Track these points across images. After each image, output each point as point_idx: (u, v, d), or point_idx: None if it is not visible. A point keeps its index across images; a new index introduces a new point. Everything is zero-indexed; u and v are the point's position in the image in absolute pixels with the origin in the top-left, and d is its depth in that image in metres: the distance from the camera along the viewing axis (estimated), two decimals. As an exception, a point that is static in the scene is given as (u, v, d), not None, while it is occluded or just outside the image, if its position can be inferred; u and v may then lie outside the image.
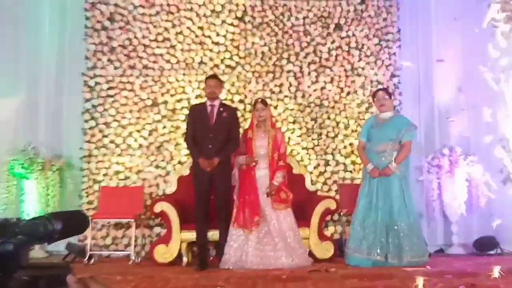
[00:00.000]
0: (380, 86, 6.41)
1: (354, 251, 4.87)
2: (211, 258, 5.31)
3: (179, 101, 6.42)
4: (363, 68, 6.55)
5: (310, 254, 5.20)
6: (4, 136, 6.30)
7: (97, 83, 6.37)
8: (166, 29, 6.52)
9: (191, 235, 5.15)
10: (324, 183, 6.32)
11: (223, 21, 6.55)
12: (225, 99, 6.11)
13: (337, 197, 5.89)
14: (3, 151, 6.19)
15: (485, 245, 5.91)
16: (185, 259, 5.26)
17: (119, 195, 6.03)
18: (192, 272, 4.76)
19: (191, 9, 6.56)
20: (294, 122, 6.45)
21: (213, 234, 5.10)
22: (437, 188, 6.14)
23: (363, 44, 6.59)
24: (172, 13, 6.55)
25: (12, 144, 6.23)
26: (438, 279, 4.00)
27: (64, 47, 6.54)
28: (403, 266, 4.66)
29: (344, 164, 6.30)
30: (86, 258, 5.53)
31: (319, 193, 6.03)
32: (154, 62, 6.46)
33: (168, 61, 6.48)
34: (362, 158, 5.22)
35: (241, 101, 6.39)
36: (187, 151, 5.74)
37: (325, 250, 5.29)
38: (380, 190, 4.93)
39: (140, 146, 6.32)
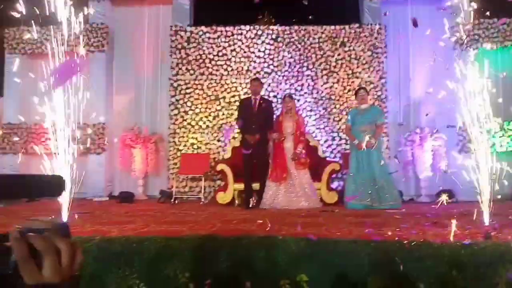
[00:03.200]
0: (372, 86, 6.27)
1: (350, 199, 4.85)
2: (254, 201, 5.40)
3: (233, 96, 6.45)
4: (360, 73, 6.39)
5: (321, 200, 5.21)
6: (120, 119, 6.58)
7: (179, 85, 6.48)
8: (224, 47, 6.54)
9: (241, 186, 5.23)
10: (331, 152, 6.28)
11: (263, 42, 6.50)
12: (264, 95, 6.11)
13: (341, 162, 5.85)
14: (120, 129, 6.48)
15: (444, 195, 5.74)
16: (237, 202, 5.36)
17: (193, 159, 6.18)
18: (241, 210, 4.84)
19: (241, 33, 6.54)
20: (311, 110, 6.39)
21: (255, 186, 5.17)
22: (411, 156, 6.00)
23: (360, 56, 6.41)
24: (228, 36, 6.55)
25: (125, 124, 6.50)
26: (410, 217, 3.95)
27: (158, 60, 6.71)
28: (384, 209, 4.62)
29: (345, 139, 6.22)
30: (172, 200, 5.73)
31: (328, 159, 6.00)
32: (216, 70, 6.50)
33: (225, 69, 6.50)
34: (349, 136, 5.12)
35: (275, 96, 6.38)
36: (238, 130, 5.79)
37: (332, 198, 5.27)
38: (365, 157, 4.85)
39: (207, 126, 6.42)
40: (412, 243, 2.70)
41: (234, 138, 6.20)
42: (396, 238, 2.83)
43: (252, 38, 6.51)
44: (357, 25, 6.43)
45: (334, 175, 5.65)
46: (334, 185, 5.90)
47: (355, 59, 6.40)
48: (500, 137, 5.95)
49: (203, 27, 6.54)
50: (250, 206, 4.97)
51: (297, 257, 2.71)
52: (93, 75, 6.27)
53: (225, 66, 6.48)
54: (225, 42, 6.52)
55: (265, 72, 6.45)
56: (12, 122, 6.44)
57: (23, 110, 6.16)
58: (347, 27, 6.44)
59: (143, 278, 2.58)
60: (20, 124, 6.34)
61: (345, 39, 6.42)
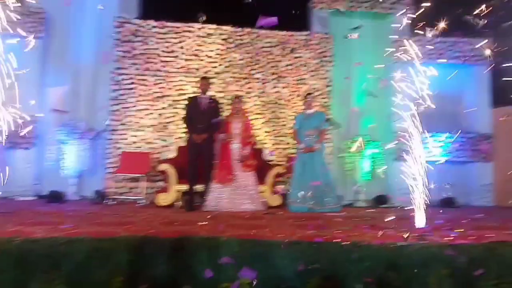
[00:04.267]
0: (318, 93, 6.46)
1: (293, 202, 4.91)
2: (197, 204, 5.26)
3: (179, 95, 6.27)
4: (307, 79, 6.54)
5: (266, 203, 5.24)
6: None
7: (122, 79, 6.16)
8: (173, 44, 6.34)
9: (184, 187, 5.07)
10: (278, 155, 6.34)
11: (213, 41, 6.42)
12: (212, 95, 6.01)
13: (286, 165, 5.92)
14: (53, 122, 5.97)
15: (381, 200, 6.07)
16: (179, 203, 5.20)
17: (133, 158, 5.87)
18: (183, 212, 4.68)
19: (191, 31, 6.40)
20: (259, 114, 6.42)
21: (199, 187, 5.05)
22: (352, 162, 6.24)
23: (308, 63, 6.57)
24: (178, 32, 6.37)
25: (60, 117, 6.00)
26: (349, 220, 4.07)
27: (100, 52, 6.31)
28: (325, 212, 4.74)
29: (292, 143, 6.29)
30: (106, 200, 5.42)
31: (273, 162, 6.04)
32: (163, 66, 6.28)
33: (173, 66, 6.31)
34: (296, 139, 5.23)
35: (223, 97, 6.29)
36: (185, 129, 5.63)
37: (276, 200, 5.32)
38: (308, 161, 4.96)
39: (152, 125, 6.17)
40: (352, 244, 2.77)
41: (180, 137, 6.02)
42: (338, 240, 2.89)
43: (203, 37, 6.40)
44: (306, 32, 6.60)
45: (278, 178, 5.70)
46: (279, 188, 5.94)
47: (303, 65, 6.55)
48: (430, 147, 6.42)
49: (151, 21, 6.29)
50: (193, 208, 4.82)
51: (241, 259, 2.65)
52: (26, 63, 5.71)
53: (172, 63, 6.29)
54: (173, 38, 6.33)
55: (215, 72, 6.36)
56: None
57: None
58: (297, 34, 6.58)
59: (72, 282, 2.36)
60: None
61: (295, 46, 6.55)
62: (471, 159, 6.48)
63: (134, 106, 6.14)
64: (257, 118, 6.36)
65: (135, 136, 6.11)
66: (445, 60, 6.74)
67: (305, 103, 5.31)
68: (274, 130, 6.38)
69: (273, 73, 6.49)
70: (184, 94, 6.20)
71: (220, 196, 4.88)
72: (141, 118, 6.14)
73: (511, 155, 5.16)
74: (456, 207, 5.95)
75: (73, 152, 5.86)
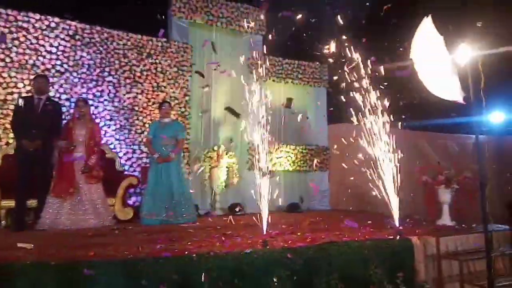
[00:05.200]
0: (176, 102, 6.37)
1: (146, 215, 4.68)
2: (29, 222, 4.50)
3: (10, 93, 5.29)
4: (165, 87, 6.39)
5: (115, 217, 4.84)
6: None
7: None
8: (3, 33, 5.34)
9: (11, 203, 4.29)
10: (131, 166, 5.95)
11: (57, 36, 5.68)
12: (54, 96, 5.31)
13: (139, 176, 5.62)
14: None
15: (234, 208, 6.29)
16: (3, 223, 4.36)
17: None
18: (9, 233, 3.97)
19: (28, 21, 5.52)
20: (110, 120, 5.92)
21: (31, 202, 4.34)
22: (209, 171, 6.34)
23: (166, 70, 6.43)
24: (10, 21, 5.41)
25: None
26: (202, 231, 4.09)
27: None
28: (180, 223, 4.66)
29: (146, 153, 6.02)
30: None
31: (126, 173, 5.66)
32: (-11, 59, 5.23)
33: (3, 60, 5.32)
34: (150, 149, 5.04)
35: (67, 99, 5.60)
36: (13, 134, 4.77)
37: (127, 214, 4.97)
38: (164, 171, 4.82)
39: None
40: (199, 256, 2.76)
41: (8, 144, 5.07)
42: (186, 252, 2.84)
43: (43, 30, 5.58)
44: (164, 39, 6.46)
45: (131, 190, 5.37)
46: (131, 200, 5.58)
47: (161, 72, 6.37)
48: (278, 158, 7.05)
49: (-28, 3, 5.19)
50: (22, 227, 4.11)
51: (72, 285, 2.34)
52: None
53: (2, 56, 5.29)
54: (5, 27, 5.35)
55: (57, 71, 5.60)
56: None
57: None
58: (154, 39, 6.38)
59: None
60: None
61: (152, 51, 6.34)
62: (312, 169, 7.35)
63: None
64: (109, 125, 5.87)
65: None
66: (291, 80, 7.55)
67: (161, 111, 5.18)
68: (127, 138, 5.98)
69: (127, 77, 6.11)
70: (17, 93, 5.28)
71: (59, 212, 4.29)
72: (-47, 119, 4.95)
73: (342, 165, 6.09)
74: (300, 211, 6.64)
75: None
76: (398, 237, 3.52)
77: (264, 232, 3.76)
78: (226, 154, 6.33)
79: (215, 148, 6.41)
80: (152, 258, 2.67)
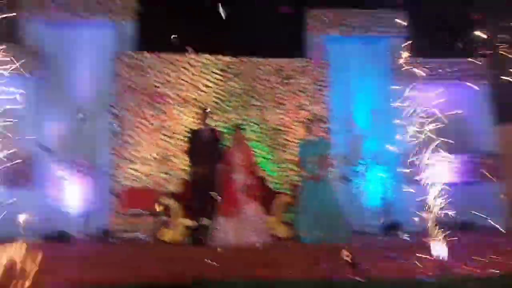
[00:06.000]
0: (318, 118, 6.38)
1: (304, 233, 4.73)
2: (203, 239, 5.07)
3: (178, 125, 6.21)
4: (306, 105, 6.49)
5: (274, 234, 5.04)
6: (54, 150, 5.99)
7: (120, 113, 6.13)
8: (169, 75, 6.32)
9: (188, 222, 4.95)
10: (281, 184, 6.18)
11: (210, 71, 6.44)
12: (211, 125, 5.97)
13: (291, 193, 5.80)
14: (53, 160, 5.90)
15: (392, 227, 5.82)
16: (185, 240, 5.00)
17: (135, 193, 5.76)
18: (189, 249, 4.57)
19: (188, 62, 6.42)
20: (259, 141, 6.32)
21: (205, 221, 4.90)
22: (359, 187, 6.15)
23: (306, 89, 6.55)
24: (174, 64, 6.39)
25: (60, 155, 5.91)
26: (363, 252, 3.92)
27: (97, 87, 6.31)
28: (337, 242, 4.56)
29: (295, 170, 6.12)
30: (110, 238, 5.29)
31: (278, 191, 5.85)
32: (161, 98, 6.25)
33: (171, 98, 6.30)
34: (300, 167, 5.17)
35: (222, 127, 6.20)
36: (187, 162, 5.36)
37: (284, 231, 5.15)
38: (315, 189, 4.86)
39: (154, 158, 6.10)
40: (368, 280, 2.62)
41: (183, 170, 5.91)
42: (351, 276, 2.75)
43: (200, 67, 6.43)
44: (301, 59, 6.65)
45: (285, 208, 5.57)
46: (286, 218, 5.80)
47: (301, 91, 6.56)
48: (441, 168, 6.30)
49: (147, 54, 6.33)
50: (199, 243, 4.68)
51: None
52: (25, 102, 5.69)
53: (170, 95, 6.28)
54: (170, 70, 6.35)
55: (213, 102, 6.35)
56: None
57: None
58: (293, 60, 6.63)
59: None
60: None
61: (291, 72, 6.58)
62: (479, 179, 6.38)
63: (134, 140, 6.08)
64: (258, 146, 6.30)
65: (136, 170, 6.01)
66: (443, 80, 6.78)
67: (307, 129, 5.28)
68: (276, 157, 6.31)
69: (271, 100, 6.48)
70: (183, 125, 6.17)
71: (226, 230, 4.74)
72: (142, 151, 6.07)
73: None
74: (474, 231, 5.71)
75: (76, 189, 5.75)
76: None
77: (435, 255, 3.39)
78: (376, 168, 6.04)
79: (363, 162, 6.19)
80: (325, 282, 2.64)
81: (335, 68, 6.71)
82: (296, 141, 6.13)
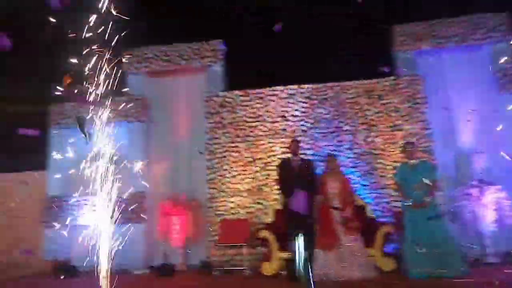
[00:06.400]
0: (416, 137, 5.95)
1: (412, 267, 4.31)
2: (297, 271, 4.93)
3: (269, 157, 6.32)
4: (401, 125, 6.11)
5: (376, 267, 4.74)
6: (158, 187, 6.59)
7: (215, 149, 6.48)
8: (257, 109, 6.56)
9: (286, 254, 4.89)
10: (382, 211, 5.82)
11: (297, 100, 6.47)
12: (302, 153, 5.91)
13: (393, 221, 5.41)
14: (158, 197, 6.47)
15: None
16: (284, 273, 4.93)
17: (233, 225, 5.93)
18: (287, 284, 4.49)
19: (274, 94, 6.58)
20: (353, 167, 6.08)
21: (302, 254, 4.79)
22: (470, 212, 5.49)
23: (399, 108, 6.15)
24: (261, 98, 6.60)
25: (164, 192, 6.49)
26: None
27: (193, 127, 6.83)
28: (449, 277, 4.08)
29: (394, 195, 5.73)
30: (211, 271, 5.53)
31: (378, 219, 5.54)
32: (251, 131, 6.47)
33: (260, 130, 6.47)
34: (402, 193, 4.76)
35: (313, 155, 6.15)
36: (279, 191, 5.32)
37: (388, 265, 4.83)
38: (421, 217, 4.46)
39: (248, 190, 6.28)
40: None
41: (275, 199, 5.97)
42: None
43: (285, 98, 6.51)
44: (392, 77, 6.33)
45: (388, 238, 5.22)
46: (389, 249, 5.41)
47: (394, 111, 6.20)
48: None
49: (236, 91, 6.66)
50: (295, 279, 4.49)
51: None
52: (132, 145, 6.45)
53: (260, 127, 6.46)
54: (258, 104, 6.56)
55: (302, 130, 6.35)
56: (55, 194, 6.61)
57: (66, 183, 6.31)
58: (382, 80, 6.34)
59: None
60: (62, 197, 6.49)
61: (382, 92, 6.30)
62: None
63: (229, 173, 6.36)
64: (352, 172, 6.07)
65: (232, 202, 6.25)
66: None
67: (405, 153, 4.91)
68: (373, 183, 5.99)
69: (362, 123, 6.24)
70: (274, 155, 6.27)
71: (326, 264, 4.59)
72: (236, 183, 6.30)
73: None
74: None
75: (178, 223, 6.17)
76: None
77: None
78: (491, 188, 5.34)
79: (473, 182, 5.54)
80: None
81: (430, 83, 6.25)
82: (394, 164, 5.78)
